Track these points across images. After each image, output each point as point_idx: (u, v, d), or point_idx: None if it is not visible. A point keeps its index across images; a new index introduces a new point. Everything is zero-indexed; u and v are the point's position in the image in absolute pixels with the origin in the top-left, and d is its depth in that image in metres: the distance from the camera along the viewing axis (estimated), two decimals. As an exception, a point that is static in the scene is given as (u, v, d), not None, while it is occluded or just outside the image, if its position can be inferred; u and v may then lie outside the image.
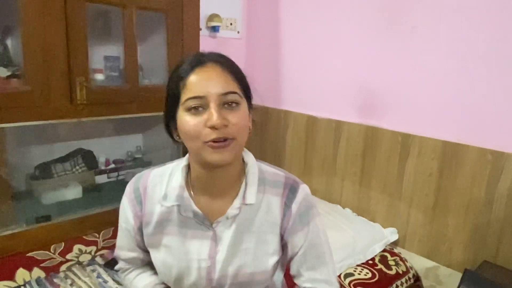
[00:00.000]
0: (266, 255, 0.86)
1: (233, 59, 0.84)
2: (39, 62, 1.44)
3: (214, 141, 0.74)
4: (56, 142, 1.96)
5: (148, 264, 0.97)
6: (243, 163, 0.88)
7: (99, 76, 1.83)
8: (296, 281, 0.91)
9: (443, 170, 1.57)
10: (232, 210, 0.83)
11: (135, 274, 0.98)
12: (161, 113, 2.03)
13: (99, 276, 1.45)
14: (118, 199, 1.90)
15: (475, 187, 1.48)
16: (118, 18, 1.71)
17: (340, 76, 1.91)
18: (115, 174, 2.15)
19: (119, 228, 0.95)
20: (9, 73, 1.53)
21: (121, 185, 2.11)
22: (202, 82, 0.75)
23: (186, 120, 0.75)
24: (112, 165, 2.15)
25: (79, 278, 1.43)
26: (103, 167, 2.10)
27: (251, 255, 0.85)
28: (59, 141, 1.97)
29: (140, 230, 0.89)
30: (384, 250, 1.69)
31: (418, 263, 1.67)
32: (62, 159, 1.93)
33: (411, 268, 1.65)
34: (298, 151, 2.13)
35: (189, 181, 0.87)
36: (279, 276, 0.97)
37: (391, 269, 1.59)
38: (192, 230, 0.85)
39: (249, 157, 0.89)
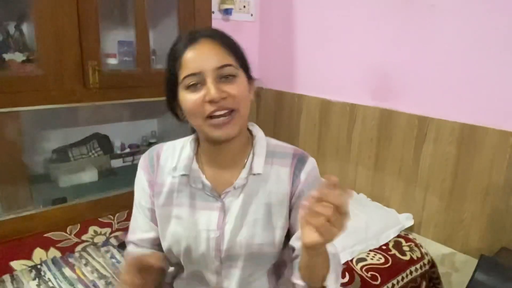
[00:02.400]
0: (274, 227, 0.86)
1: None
2: (52, 46, 1.45)
3: (214, 116, 0.75)
4: (73, 126, 2.01)
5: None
6: (250, 136, 0.89)
7: (112, 61, 1.84)
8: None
9: (461, 154, 1.51)
10: (239, 181, 0.85)
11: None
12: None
13: (112, 256, 1.48)
14: (133, 182, 1.94)
15: (494, 172, 1.42)
16: (131, 3, 1.71)
17: (355, 58, 1.86)
18: (131, 158, 2.18)
19: (134, 207, 0.95)
20: (24, 58, 1.56)
21: (136, 169, 2.15)
22: (196, 59, 0.76)
23: (186, 98, 0.78)
24: (128, 150, 2.18)
25: (93, 258, 1.46)
26: (118, 152, 2.13)
27: (259, 226, 0.85)
28: (76, 125, 2.01)
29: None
30: (399, 236, 1.66)
31: (434, 249, 1.63)
32: (79, 143, 1.97)
33: (426, 254, 1.61)
34: (311, 135, 2.10)
35: (199, 153, 0.89)
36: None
37: (405, 255, 1.55)
38: (201, 202, 0.86)
39: (257, 130, 0.90)
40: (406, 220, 1.71)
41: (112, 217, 1.74)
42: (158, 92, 1.78)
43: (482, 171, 1.45)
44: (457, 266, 1.58)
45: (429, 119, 1.59)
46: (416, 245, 1.62)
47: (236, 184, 0.84)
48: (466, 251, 1.55)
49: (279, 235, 0.86)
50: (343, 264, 1.45)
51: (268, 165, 0.86)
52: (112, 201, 1.79)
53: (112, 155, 2.07)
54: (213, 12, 1.99)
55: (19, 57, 1.57)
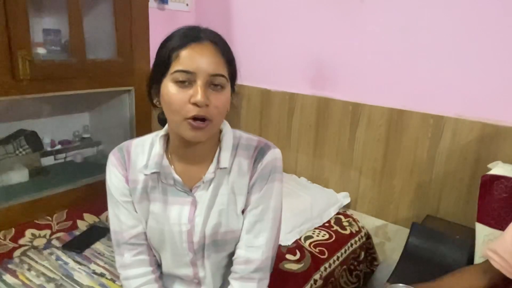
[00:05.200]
0: (236, 215, 0.90)
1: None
2: (-26, 34, 1.31)
3: (194, 118, 0.76)
4: (-6, 123, 1.82)
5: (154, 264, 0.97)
6: (219, 131, 0.91)
7: (41, 50, 1.70)
8: None
9: (390, 136, 1.69)
10: (208, 175, 0.88)
11: (139, 282, 0.93)
12: (110, 90, 1.94)
13: (58, 258, 1.40)
14: (68, 181, 1.82)
15: (418, 149, 1.62)
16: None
17: (293, 48, 1.95)
18: (63, 155, 2.04)
19: (113, 208, 0.93)
20: None
21: (69, 167, 2.03)
22: (195, 58, 0.76)
23: (171, 91, 0.77)
24: (59, 146, 2.03)
25: (36, 262, 1.37)
26: (49, 149, 1.98)
27: (224, 215, 0.89)
28: (-2, 122, 1.83)
29: None
30: (338, 213, 1.81)
31: (369, 222, 1.81)
32: (3, 141, 1.79)
33: (363, 227, 1.78)
34: (253, 124, 2.16)
35: (168, 149, 0.90)
36: None
37: (345, 230, 1.70)
38: (173, 197, 0.89)
39: (225, 125, 0.92)
40: (344, 198, 1.86)
41: (50, 218, 1.64)
42: (94, 84, 1.73)
43: (408, 149, 1.65)
44: (389, 235, 1.78)
45: (362, 105, 1.75)
46: (354, 220, 1.79)
47: (205, 179, 0.87)
48: (396, 221, 1.74)
49: (240, 222, 0.91)
50: (293, 242, 1.55)
51: (232, 157, 0.89)
52: (47, 201, 1.68)
53: (42, 153, 1.92)
54: (149, 0, 1.93)
55: None
